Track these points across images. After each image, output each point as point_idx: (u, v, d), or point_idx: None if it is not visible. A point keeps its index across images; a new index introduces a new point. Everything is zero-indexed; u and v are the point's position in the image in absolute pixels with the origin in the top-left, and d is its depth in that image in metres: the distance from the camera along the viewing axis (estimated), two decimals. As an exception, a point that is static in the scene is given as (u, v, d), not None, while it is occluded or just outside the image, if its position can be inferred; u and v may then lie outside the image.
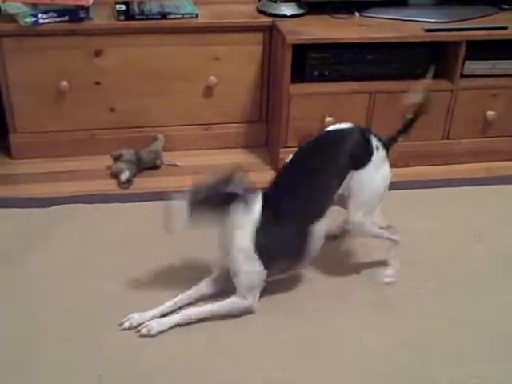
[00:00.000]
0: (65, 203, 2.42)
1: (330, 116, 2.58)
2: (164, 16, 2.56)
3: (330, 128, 2.01)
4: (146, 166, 2.64)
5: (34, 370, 1.74)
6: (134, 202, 2.46)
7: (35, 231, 2.26)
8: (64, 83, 2.58)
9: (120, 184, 2.55)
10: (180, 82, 2.67)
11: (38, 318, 1.90)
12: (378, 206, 2.01)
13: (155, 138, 2.68)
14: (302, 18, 2.70)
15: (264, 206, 1.87)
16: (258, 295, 1.92)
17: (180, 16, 2.58)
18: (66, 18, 2.49)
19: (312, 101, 2.58)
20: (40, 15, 2.44)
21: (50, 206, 2.39)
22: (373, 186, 1.96)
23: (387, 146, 2.00)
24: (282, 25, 2.59)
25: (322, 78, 2.60)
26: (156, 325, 1.84)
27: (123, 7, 2.58)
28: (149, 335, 1.82)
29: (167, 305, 1.90)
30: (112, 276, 2.06)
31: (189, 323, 1.87)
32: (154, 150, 2.65)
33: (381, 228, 2.03)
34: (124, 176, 2.55)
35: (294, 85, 2.55)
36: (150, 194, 2.48)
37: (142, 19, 2.55)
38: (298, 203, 1.89)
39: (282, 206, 1.89)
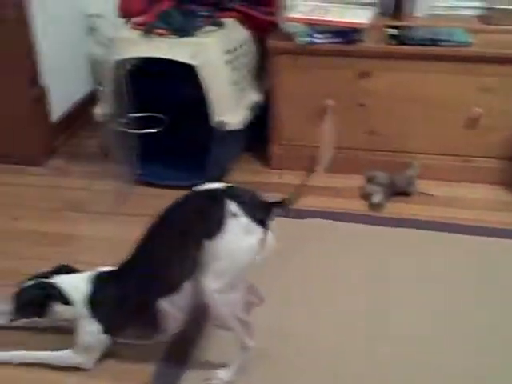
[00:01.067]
0: (314, 217, 2.43)
1: None
2: (435, 43, 2.46)
3: (195, 188, 1.72)
4: (398, 191, 2.55)
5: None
6: (381, 225, 2.39)
7: (291, 241, 2.25)
8: (329, 101, 2.60)
9: (371, 206, 2.50)
10: (442, 110, 2.55)
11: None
12: (239, 285, 1.66)
13: (410, 165, 2.58)
14: None
15: (108, 278, 1.75)
16: (97, 356, 1.79)
17: (452, 44, 2.46)
18: (339, 39, 2.50)
19: None
20: (316, 35, 2.49)
21: (304, 217, 2.41)
22: (230, 259, 1.60)
23: (262, 214, 1.63)
24: None
25: None
26: None
27: (395, 32, 2.53)
28: None
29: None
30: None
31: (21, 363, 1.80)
32: (408, 176, 2.56)
33: (238, 319, 1.68)
34: (376, 198, 2.50)
35: None
36: (398, 220, 2.41)
37: (413, 45, 2.48)
38: (143, 276, 1.69)
39: (126, 278, 1.72)
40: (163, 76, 2.72)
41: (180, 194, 2.59)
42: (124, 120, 2.56)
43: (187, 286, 1.65)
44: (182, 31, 2.45)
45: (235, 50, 2.56)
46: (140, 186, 2.66)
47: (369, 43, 2.53)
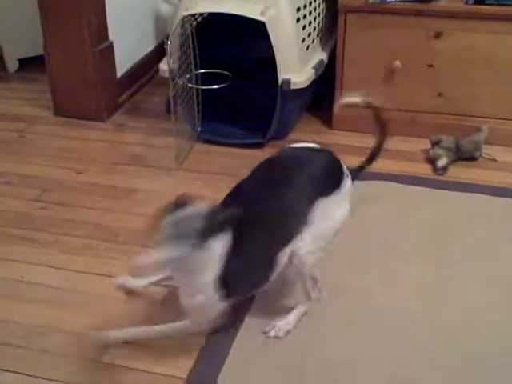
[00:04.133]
0: (378, 179, 2.23)
1: None
2: (517, 3, 2.22)
3: (295, 145, 1.61)
4: (464, 155, 2.34)
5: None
6: (446, 189, 2.20)
7: (353, 202, 2.09)
8: (397, 62, 2.38)
9: (435, 169, 2.30)
10: (519, 74, 2.33)
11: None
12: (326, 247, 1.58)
13: (478, 129, 2.36)
14: None
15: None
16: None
17: (534, 4, 2.22)
18: (414, -3, 2.28)
19: None
20: (389, -7, 2.27)
21: (365, 179, 2.21)
22: (333, 219, 1.55)
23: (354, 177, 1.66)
24: None
25: None
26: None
27: (475, -10, 2.29)
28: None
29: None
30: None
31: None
32: (475, 141, 2.34)
33: (313, 279, 1.57)
34: (441, 162, 2.29)
35: None
36: (463, 185, 2.22)
37: (492, 4, 2.23)
38: (266, 229, 1.48)
39: (247, 233, 1.46)
40: (230, 32, 2.56)
41: (241, 152, 2.50)
42: (189, 76, 2.40)
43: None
44: (252, -13, 2.26)
45: (305, 7, 2.36)
46: (201, 143, 2.51)
47: (444, 2, 2.30)
